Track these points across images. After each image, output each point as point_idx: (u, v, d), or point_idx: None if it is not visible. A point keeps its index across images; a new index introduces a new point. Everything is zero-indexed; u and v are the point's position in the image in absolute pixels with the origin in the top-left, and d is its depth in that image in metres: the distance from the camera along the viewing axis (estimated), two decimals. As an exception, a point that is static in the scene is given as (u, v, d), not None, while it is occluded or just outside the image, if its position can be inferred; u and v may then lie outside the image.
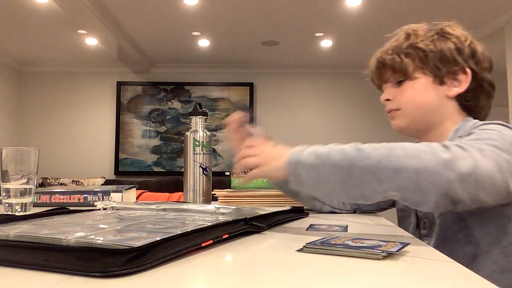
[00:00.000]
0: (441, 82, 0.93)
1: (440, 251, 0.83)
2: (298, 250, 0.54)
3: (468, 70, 0.91)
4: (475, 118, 0.95)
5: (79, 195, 1.16)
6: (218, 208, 0.79)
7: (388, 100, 0.98)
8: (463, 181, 0.61)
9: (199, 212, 0.79)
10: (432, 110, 0.94)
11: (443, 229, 0.85)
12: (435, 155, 0.63)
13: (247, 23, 4.07)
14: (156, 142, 5.48)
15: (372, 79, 1.04)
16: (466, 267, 0.81)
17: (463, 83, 0.92)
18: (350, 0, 3.53)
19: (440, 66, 0.92)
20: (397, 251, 0.52)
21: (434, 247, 0.84)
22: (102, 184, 4.83)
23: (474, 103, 0.94)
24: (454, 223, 0.84)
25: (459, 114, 0.94)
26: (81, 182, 4.92)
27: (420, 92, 0.93)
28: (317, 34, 4.35)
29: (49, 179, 4.97)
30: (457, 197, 0.62)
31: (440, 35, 0.94)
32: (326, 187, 0.69)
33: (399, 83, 0.96)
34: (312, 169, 0.69)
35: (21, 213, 0.89)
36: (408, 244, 0.56)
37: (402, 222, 1.04)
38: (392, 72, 0.96)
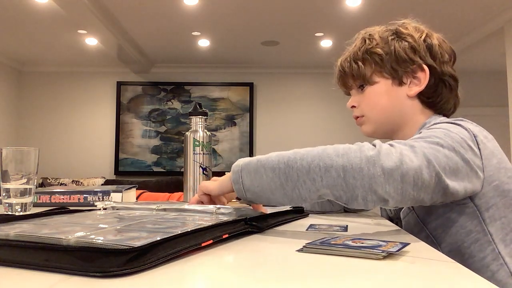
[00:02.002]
0: (400, 83, 0.92)
1: None
2: (298, 250, 0.54)
3: (426, 67, 0.90)
4: (441, 112, 0.95)
5: (79, 195, 1.16)
6: (218, 208, 0.79)
7: (354, 107, 0.99)
8: (387, 176, 0.62)
9: (199, 212, 0.79)
10: (394, 112, 0.94)
11: (407, 230, 0.85)
12: (361, 152, 0.64)
13: (247, 23, 4.07)
14: (156, 142, 5.48)
15: (338, 86, 1.05)
16: None
17: (422, 80, 0.91)
18: (350, 0, 3.53)
19: (397, 68, 0.91)
20: (397, 251, 0.52)
21: None
22: (102, 184, 4.83)
23: (436, 99, 0.93)
24: (415, 224, 0.84)
25: (423, 113, 0.93)
26: (81, 182, 4.92)
27: (381, 96, 0.94)
28: (317, 34, 4.35)
29: (49, 179, 4.97)
30: (384, 193, 0.63)
31: (395, 36, 0.93)
32: (268, 193, 0.70)
33: (361, 88, 0.97)
34: (254, 174, 0.71)
35: (21, 213, 0.89)
36: (408, 244, 0.56)
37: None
38: (353, 79, 0.97)
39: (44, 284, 0.39)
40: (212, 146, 1.18)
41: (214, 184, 0.81)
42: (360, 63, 0.94)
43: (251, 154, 5.47)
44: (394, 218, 0.98)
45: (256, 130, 5.55)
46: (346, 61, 0.97)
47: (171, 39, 4.51)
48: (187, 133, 1.15)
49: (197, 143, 1.13)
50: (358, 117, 0.99)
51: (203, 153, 1.13)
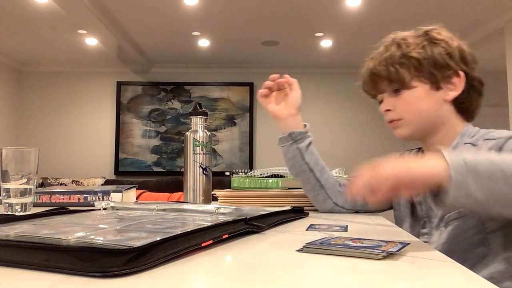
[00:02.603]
0: (438, 88, 0.95)
1: (449, 249, 0.84)
2: (298, 250, 0.54)
3: (461, 73, 0.94)
4: (470, 117, 0.99)
5: (79, 195, 1.16)
6: (218, 208, 0.79)
7: (388, 110, 0.99)
8: None
9: (199, 212, 0.79)
10: (432, 116, 0.96)
11: (460, 230, 0.86)
12: None
13: (247, 23, 4.07)
14: (156, 142, 5.48)
15: (366, 89, 1.05)
16: (474, 266, 0.83)
17: (458, 86, 0.94)
18: (350, 0, 3.53)
19: (435, 72, 0.94)
20: (397, 251, 0.52)
21: (440, 244, 0.85)
22: (102, 184, 4.83)
23: (469, 104, 0.97)
24: (474, 226, 0.85)
25: (456, 117, 0.97)
26: (81, 182, 4.92)
27: (420, 101, 0.95)
28: (317, 34, 4.35)
29: (49, 179, 4.97)
30: None
31: (429, 41, 0.95)
32: (497, 202, 0.62)
33: (396, 92, 0.97)
34: (487, 179, 0.61)
35: (21, 213, 0.89)
36: (408, 244, 0.56)
37: (398, 221, 1.06)
38: (388, 82, 0.97)
39: (44, 284, 0.39)
40: (212, 146, 1.18)
41: (411, 172, 0.63)
42: (398, 67, 0.94)
43: (251, 154, 5.47)
44: (423, 216, 0.97)
45: (256, 130, 5.55)
46: (380, 64, 0.97)
47: (171, 39, 4.51)
48: (187, 133, 1.15)
49: (197, 143, 1.13)
50: (393, 120, 0.99)
51: (203, 153, 1.13)
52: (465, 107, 0.98)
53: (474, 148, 0.91)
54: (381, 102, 1.03)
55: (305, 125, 1.10)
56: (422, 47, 0.94)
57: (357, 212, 1.08)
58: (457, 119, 0.97)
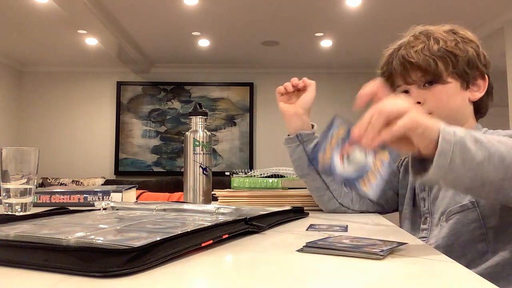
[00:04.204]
0: (467, 87, 0.96)
1: (449, 243, 0.84)
2: (298, 250, 0.54)
3: (486, 76, 0.96)
4: (480, 118, 1.01)
5: (79, 195, 1.16)
6: (218, 208, 0.79)
7: (418, 103, 0.96)
8: None
9: (199, 212, 0.79)
10: (459, 114, 0.96)
11: (460, 225, 0.86)
12: None
13: (247, 23, 4.07)
14: (156, 142, 5.48)
15: (387, 78, 1.01)
16: (473, 262, 0.82)
17: (482, 87, 0.96)
18: (350, 0, 3.53)
19: (468, 71, 0.94)
20: (396, 247, 0.52)
21: (440, 238, 0.85)
22: (102, 184, 4.83)
23: (484, 107, 0.99)
24: (474, 221, 0.85)
25: (473, 117, 0.99)
26: (81, 182, 4.92)
27: (451, 97, 0.95)
28: (317, 34, 4.35)
29: (49, 179, 4.97)
30: None
31: (461, 39, 0.95)
32: (477, 183, 0.61)
33: (427, 85, 0.95)
34: (473, 156, 0.60)
35: (21, 213, 0.89)
36: (406, 243, 0.56)
37: (401, 218, 1.07)
38: (423, 73, 0.95)
39: (44, 284, 0.39)
40: (212, 146, 1.18)
41: (416, 119, 0.59)
42: (437, 60, 0.93)
43: (251, 154, 5.46)
44: (424, 212, 0.98)
45: (256, 130, 5.55)
46: (417, 54, 0.94)
47: (171, 39, 4.51)
48: (187, 133, 1.15)
49: (197, 143, 1.13)
50: None
51: (203, 153, 1.13)
52: (480, 109, 0.99)
53: None
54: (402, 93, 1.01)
55: (312, 126, 1.10)
56: (455, 44, 0.94)
57: (361, 212, 1.08)
58: (473, 120, 0.99)
